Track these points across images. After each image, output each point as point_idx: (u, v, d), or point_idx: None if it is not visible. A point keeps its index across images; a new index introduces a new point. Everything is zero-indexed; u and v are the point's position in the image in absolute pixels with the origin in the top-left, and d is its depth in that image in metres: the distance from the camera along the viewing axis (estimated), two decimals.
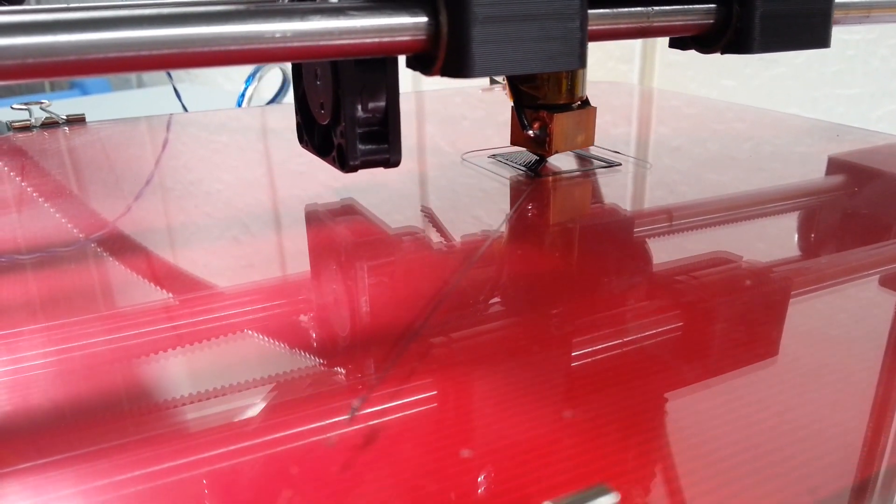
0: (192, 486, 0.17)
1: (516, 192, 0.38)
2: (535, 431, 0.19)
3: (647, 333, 0.24)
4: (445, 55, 0.23)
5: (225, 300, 0.27)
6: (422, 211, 0.36)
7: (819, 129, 0.54)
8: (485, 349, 0.23)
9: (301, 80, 0.32)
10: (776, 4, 0.28)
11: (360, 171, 0.30)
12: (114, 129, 0.57)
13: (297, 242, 0.33)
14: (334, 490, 0.17)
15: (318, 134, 0.32)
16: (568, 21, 0.24)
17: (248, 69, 0.91)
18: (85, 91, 1.71)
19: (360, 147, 0.29)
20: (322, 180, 0.40)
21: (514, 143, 0.41)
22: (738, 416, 0.20)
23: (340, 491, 0.17)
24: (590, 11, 0.25)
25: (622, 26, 0.29)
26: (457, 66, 0.23)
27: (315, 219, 0.35)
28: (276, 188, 0.41)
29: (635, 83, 0.98)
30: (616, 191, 0.40)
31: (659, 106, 0.68)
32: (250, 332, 0.25)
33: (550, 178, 0.40)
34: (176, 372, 0.23)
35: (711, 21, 0.30)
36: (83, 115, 0.57)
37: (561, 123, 0.37)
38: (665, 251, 0.31)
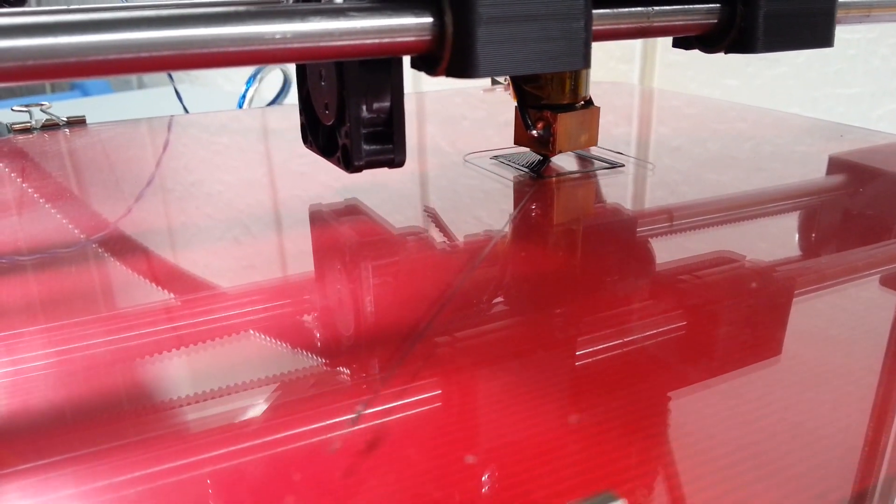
0: (195, 488, 0.17)
1: (519, 193, 0.38)
2: (542, 434, 0.19)
3: (653, 334, 0.24)
4: (450, 55, 0.23)
5: (229, 301, 0.27)
6: (425, 211, 0.36)
7: (819, 128, 0.55)
8: (490, 350, 0.23)
9: (305, 80, 0.32)
10: (780, 4, 0.28)
11: (361, 172, 0.30)
12: (114, 131, 0.57)
13: (301, 242, 0.33)
14: (339, 493, 0.17)
15: (322, 134, 0.32)
16: (572, 21, 0.24)
17: (248, 70, 0.91)
18: (86, 92, 1.70)
19: (365, 147, 0.29)
20: (323, 181, 0.40)
21: (517, 142, 0.41)
22: (743, 418, 0.20)
23: (345, 494, 0.17)
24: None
25: (623, 26, 0.29)
26: (462, 67, 0.23)
27: (319, 219, 0.35)
28: (278, 189, 0.41)
29: (636, 83, 0.98)
30: (620, 192, 0.40)
31: (660, 106, 0.68)
32: (255, 332, 0.25)
33: (553, 179, 0.40)
34: (179, 373, 0.23)
35: (715, 21, 0.30)
36: (84, 116, 0.57)
37: (565, 123, 0.37)
38: (669, 251, 0.31)
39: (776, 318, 0.26)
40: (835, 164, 0.45)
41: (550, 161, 0.42)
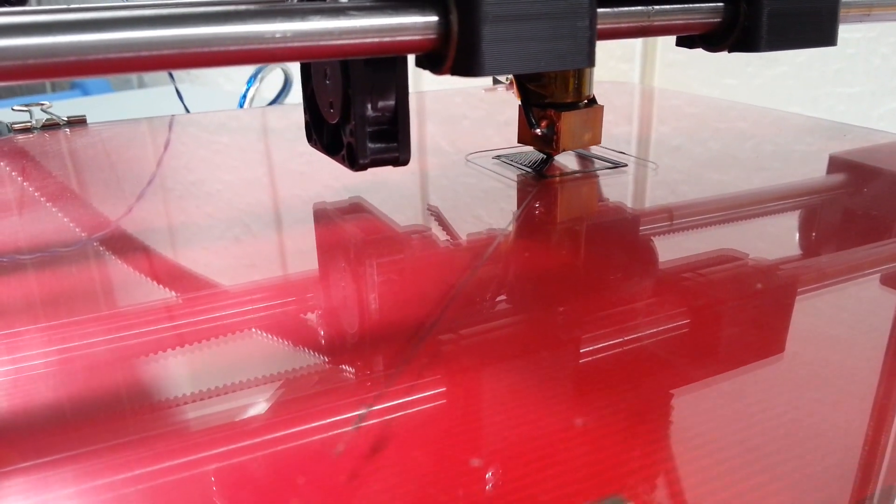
0: (198, 487, 0.17)
1: (523, 192, 0.38)
2: (548, 435, 0.19)
3: (659, 334, 0.24)
4: (455, 54, 0.23)
5: (233, 299, 0.27)
6: (428, 210, 0.36)
7: (821, 128, 0.55)
8: (496, 348, 0.23)
9: (310, 79, 0.32)
10: (783, 3, 0.29)
11: (362, 173, 0.30)
12: (115, 131, 0.57)
13: (301, 241, 0.33)
14: (345, 492, 0.17)
15: (326, 133, 0.32)
16: (577, 20, 0.24)
17: (249, 70, 0.91)
18: (86, 91, 1.70)
19: (370, 146, 0.29)
20: (323, 180, 0.40)
21: (521, 141, 0.41)
22: (747, 417, 0.20)
23: (350, 494, 0.17)
24: None
25: (623, 25, 0.29)
26: (467, 65, 0.23)
27: (321, 217, 0.35)
28: (278, 188, 0.41)
29: (636, 83, 0.98)
30: (623, 191, 0.40)
31: (661, 105, 0.68)
32: (260, 331, 0.25)
33: (557, 179, 0.40)
34: (184, 371, 0.23)
35: (718, 20, 0.30)
36: (84, 116, 0.57)
37: (568, 122, 0.38)
38: (673, 250, 0.31)
39: (779, 316, 0.26)
40: (835, 164, 0.45)
41: (553, 160, 0.42)
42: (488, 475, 0.18)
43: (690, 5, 0.29)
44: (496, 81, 0.67)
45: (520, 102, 0.39)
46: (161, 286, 0.28)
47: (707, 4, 0.30)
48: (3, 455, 0.18)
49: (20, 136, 0.54)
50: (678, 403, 0.21)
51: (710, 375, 0.22)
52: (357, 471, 0.17)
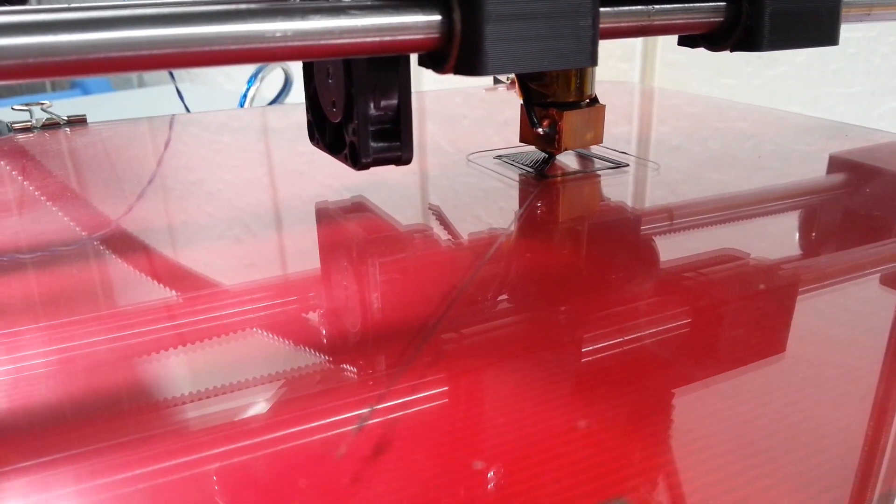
0: (200, 487, 0.17)
1: (524, 192, 0.38)
2: (553, 434, 0.19)
3: (663, 333, 0.24)
4: (458, 53, 0.23)
5: (237, 298, 0.27)
6: (430, 210, 0.36)
7: (821, 127, 0.55)
8: (501, 348, 0.23)
9: (312, 78, 0.32)
10: (786, 2, 0.29)
11: (362, 172, 0.30)
12: (115, 130, 0.57)
13: (302, 240, 0.33)
14: (349, 492, 0.17)
15: (329, 132, 0.32)
16: (580, 19, 0.24)
17: (249, 69, 0.91)
18: (86, 91, 1.70)
19: (373, 145, 0.29)
20: (322, 180, 0.40)
21: (522, 140, 0.41)
22: (749, 417, 0.20)
23: (355, 493, 0.17)
24: None
25: (623, 25, 0.29)
26: (470, 64, 0.23)
27: (323, 217, 0.35)
28: (280, 187, 0.41)
29: (636, 82, 0.98)
30: (625, 191, 0.40)
31: (661, 105, 0.68)
32: (264, 330, 0.25)
33: (559, 179, 0.40)
34: (185, 372, 0.23)
35: (720, 19, 0.30)
36: (84, 115, 0.57)
37: (570, 121, 0.38)
38: (675, 250, 0.31)
39: (780, 316, 0.26)
40: (835, 163, 0.45)
41: (555, 159, 0.42)
42: (490, 475, 0.18)
43: (691, 5, 0.29)
44: (497, 81, 0.67)
45: (522, 102, 0.40)
46: (162, 286, 0.28)
47: (709, 4, 0.30)
48: (3, 455, 0.18)
49: (20, 136, 0.54)
50: (680, 403, 0.21)
51: (712, 375, 0.22)
52: (361, 470, 0.17)
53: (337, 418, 0.20)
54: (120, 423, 0.20)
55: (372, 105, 0.28)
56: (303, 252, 0.32)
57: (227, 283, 0.28)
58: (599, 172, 0.41)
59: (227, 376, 0.22)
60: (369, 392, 0.21)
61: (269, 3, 0.21)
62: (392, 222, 0.34)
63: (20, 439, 0.19)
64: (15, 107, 0.56)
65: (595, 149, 0.44)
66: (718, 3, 0.29)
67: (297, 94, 0.95)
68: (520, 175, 0.40)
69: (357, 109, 0.28)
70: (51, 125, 0.55)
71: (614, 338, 0.24)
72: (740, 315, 0.26)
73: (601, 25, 0.27)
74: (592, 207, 0.38)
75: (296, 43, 0.22)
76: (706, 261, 0.29)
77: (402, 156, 0.30)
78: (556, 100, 0.38)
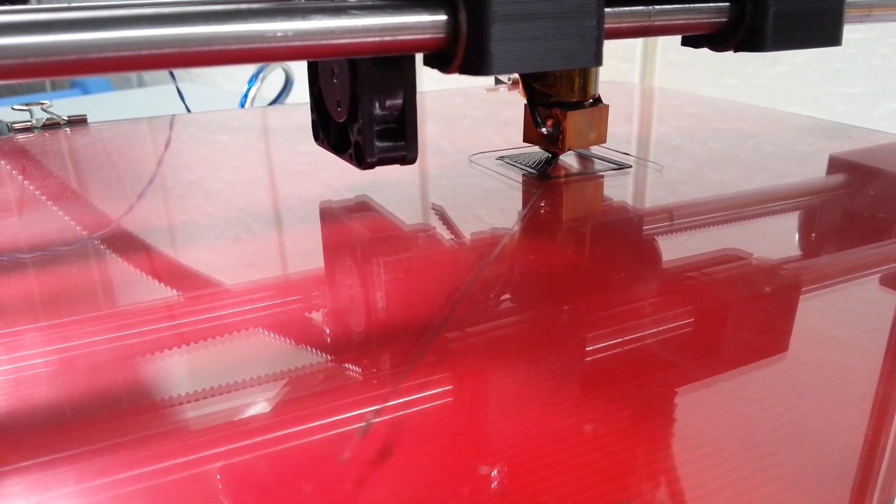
0: (205, 486, 0.17)
1: (528, 194, 0.38)
2: (558, 435, 0.19)
3: (668, 334, 0.24)
4: (464, 53, 0.23)
5: (239, 297, 0.27)
6: (433, 210, 0.36)
7: (820, 127, 0.55)
8: (506, 347, 0.23)
9: (317, 78, 0.32)
10: (789, 3, 0.29)
11: (363, 172, 0.30)
12: (115, 130, 0.57)
13: (303, 240, 0.33)
14: (351, 492, 0.17)
15: (334, 131, 0.32)
16: (585, 19, 0.24)
17: (249, 69, 0.91)
18: (86, 90, 1.70)
19: (378, 144, 0.29)
20: (323, 179, 0.40)
21: (526, 140, 0.41)
22: (751, 416, 0.20)
23: (357, 493, 0.17)
24: None
25: (624, 25, 0.29)
26: (475, 64, 0.23)
27: (326, 216, 0.35)
28: (283, 187, 0.41)
29: (636, 82, 0.98)
30: (629, 193, 0.40)
31: (663, 105, 0.68)
32: (269, 329, 0.25)
33: (562, 180, 0.40)
34: (188, 372, 0.23)
35: (723, 20, 0.30)
36: (85, 115, 0.57)
37: (574, 121, 0.38)
38: (680, 251, 0.32)
39: (782, 316, 0.26)
40: (836, 164, 0.45)
41: (559, 158, 0.42)
42: (495, 474, 0.18)
43: (691, 5, 0.29)
44: (498, 81, 0.67)
45: (525, 102, 0.40)
46: (164, 285, 0.28)
47: (711, 4, 0.30)
48: (3, 455, 0.18)
49: (20, 136, 0.54)
50: (686, 404, 0.21)
51: (715, 376, 0.22)
52: (366, 470, 0.17)
53: (345, 416, 0.20)
54: (120, 422, 0.20)
55: (377, 105, 0.28)
56: (305, 252, 0.32)
57: (229, 282, 0.28)
58: (602, 173, 0.41)
59: (231, 376, 0.22)
60: (376, 391, 0.21)
61: (284, 3, 0.21)
62: (395, 222, 0.34)
63: (20, 439, 0.19)
64: (15, 107, 0.56)
65: (597, 150, 0.44)
66: (722, 4, 0.30)
67: (298, 94, 0.95)
68: (522, 176, 0.40)
69: (362, 109, 0.28)
70: (51, 125, 0.55)
71: (620, 338, 0.24)
72: (743, 315, 0.26)
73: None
74: (596, 208, 0.38)
75: (302, 42, 0.22)
76: (709, 261, 0.30)
77: (406, 155, 0.30)
78: (559, 100, 0.38)
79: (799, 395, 0.21)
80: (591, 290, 0.28)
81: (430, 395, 0.21)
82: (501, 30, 0.23)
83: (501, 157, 0.43)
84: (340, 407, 0.20)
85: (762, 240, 0.33)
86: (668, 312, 0.26)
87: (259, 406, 0.20)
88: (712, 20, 0.30)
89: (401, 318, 0.25)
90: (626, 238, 0.33)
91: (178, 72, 0.81)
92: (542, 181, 0.39)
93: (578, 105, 0.38)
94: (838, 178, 0.43)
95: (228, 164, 0.46)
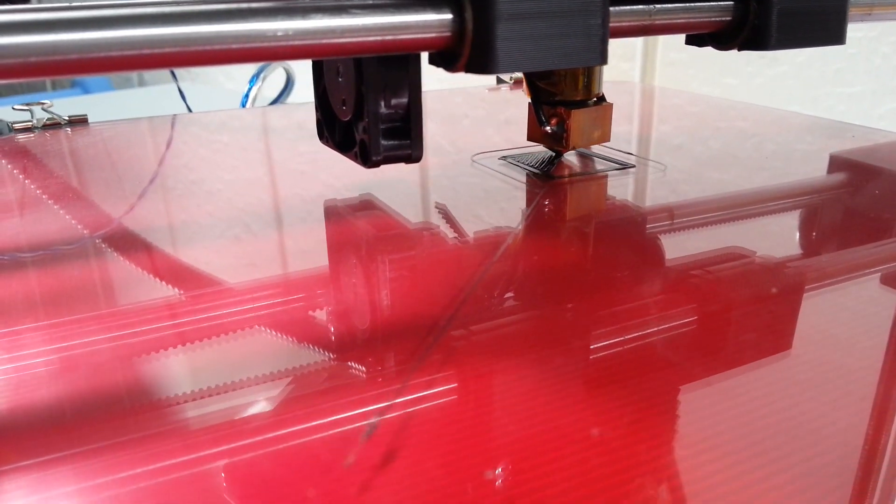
0: (208, 486, 0.17)
1: (532, 194, 0.38)
2: (566, 435, 0.19)
3: (678, 331, 0.24)
4: (470, 52, 0.23)
5: (243, 296, 0.27)
6: (437, 209, 0.36)
7: (820, 127, 0.55)
8: (514, 346, 0.23)
9: (322, 77, 0.32)
10: (793, 2, 0.29)
11: (363, 172, 0.30)
12: (116, 130, 0.57)
13: (304, 240, 0.33)
14: (356, 492, 0.17)
15: (338, 130, 0.32)
16: (590, 18, 0.24)
17: (250, 69, 0.91)
18: (86, 90, 1.69)
19: (383, 143, 0.29)
20: (324, 179, 0.40)
21: (530, 139, 0.41)
22: (752, 415, 0.20)
23: (362, 492, 0.17)
24: None
25: (625, 24, 0.29)
26: (481, 63, 0.23)
27: (330, 215, 0.35)
28: (287, 187, 0.41)
29: (637, 82, 0.99)
30: (633, 192, 0.40)
31: (664, 104, 0.68)
32: (276, 328, 0.25)
33: (566, 180, 0.40)
34: (193, 371, 0.23)
35: (726, 19, 0.30)
36: (85, 115, 0.57)
37: (578, 119, 0.38)
38: (686, 250, 0.32)
39: (786, 315, 0.26)
40: (837, 163, 0.45)
41: (562, 158, 0.42)
42: (501, 472, 0.18)
43: (692, 4, 0.30)
44: (500, 81, 0.67)
45: (529, 100, 0.40)
46: (165, 284, 0.28)
47: (711, 3, 0.30)
48: (3, 455, 0.18)
49: (21, 136, 0.53)
50: (689, 401, 0.21)
51: (718, 374, 0.22)
52: (375, 468, 0.17)
53: (354, 412, 0.20)
54: (121, 422, 0.19)
55: (383, 103, 0.28)
56: (305, 251, 0.32)
57: (231, 282, 0.28)
58: (606, 173, 0.41)
59: (237, 374, 0.22)
60: (383, 389, 0.21)
61: (294, 3, 0.21)
62: (400, 221, 0.34)
63: (20, 439, 0.19)
64: (16, 106, 0.56)
65: (600, 149, 0.44)
66: (726, 3, 0.30)
67: (299, 93, 0.95)
68: (526, 176, 0.40)
69: (368, 108, 0.28)
70: (52, 125, 0.55)
71: (630, 339, 0.24)
72: (746, 314, 0.26)
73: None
74: (602, 208, 0.38)
75: (310, 41, 0.22)
76: (713, 260, 0.30)
77: (412, 154, 0.30)
78: (563, 98, 0.38)
79: (800, 394, 0.21)
80: (597, 290, 0.28)
81: (438, 391, 0.21)
82: (507, 28, 0.23)
83: (504, 157, 0.43)
84: (348, 405, 0.20)
85: (766, 239, 0.33)
86: (674, 312, 0.26)
87: (264, 405, 0.20)
88: (714, 19, 0.30)
89: (407, 317, 0.25)
90: (632, 237, 0.33)
91: (178, 71, 0.81)
92: (545, 181, 0.39)
93: (582, 103, 0.38)
94: (839, 176, 0.43)
95: (229, 163, 0.46)
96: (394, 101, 0.29)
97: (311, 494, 0.17)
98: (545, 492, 0.17)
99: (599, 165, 0.42)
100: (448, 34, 0.23)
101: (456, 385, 0.21)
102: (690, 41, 0.32)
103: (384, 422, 0.19)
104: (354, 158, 0.31)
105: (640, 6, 0.28)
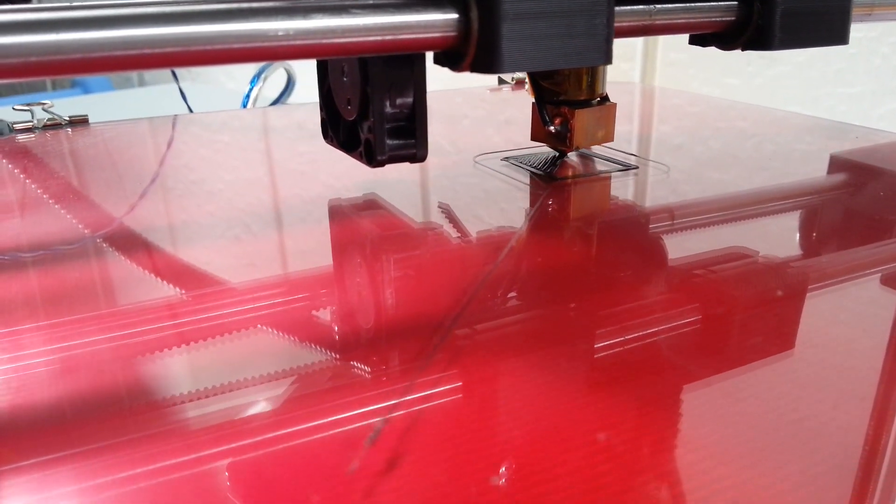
0: (209, 486, 0.17)
1: (536, 195, 0.38)
2: (573, 434, 0.19)
3: (687, 330, 0.24)
4: (475, 51, 0.23)
5: (247, 295, 0.27)
6: (440, 209, 0.36)
7: (821, 127, 0.55)
8: (522, 346, 0.23)
9: (327, 76, 0.32)
10: (797, 2, 0.29)
11: (363, 173, 0.30)
12: (117, 131, 0.56)
13: (310, 239, 0.33)
14: (361, 491, 0.17)
15: (343, 130, 0.32)
16: (595, 17, 0.24)
17: (251, 68, 0.91)
18: (87, 90, 1.69)
19: (388, 142, 0.29)
20: (323, 180, 0.40)
21: (534, 138, 0.41)
22: (756, 415, 0.20)
23: (367, 492, 0.17)
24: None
25: (625, 24, 0.29)
26: (487, 62, 0.23)
27: (334, 214, 0.35)
28: (287, 187, 0.41)
29: (637, 82, 0.99)
30: (637, 193, 0.40)
31: (665, 105, 0.68)
32: (285, 327, 0.25)
33: (570, 181, 0.40)
34: (196, 371, 0.23)
35: (732, 19, 0.30)
36: (86, 116, 0.57)
37: (582, 119, 0.38)
38: (692, 251, 0.32)
39: (788, 315, 0.26)
40: (836, 163, 0.45)
41: (566, 157, 0.42)
42: (505, 472, 0.18)
43: (693, 4, 0.30)
44: (501, 81, 0.67)
45: (533, 100, 0.40)
46: (168, 284, 0.28)
47: (717, 3, 0.30)
48: (3, 455, 0.18)
49: (21, 136, 0.53)
50: (693, 401, 0.21)
51: (720, 374, 0.22)
52: (382, 468, 0.17)
53: (363, 409, 0.20)
54: (121, 422, 0.19)
55: (388, 103, 0.29)
56: (306, 251, 0.32)
57: (234, 282, 0.28)
58: (610, 174, 0.41)
59: (241, 374, 0.22)
60: (389, 387, 0.21)
61: (290, 2, 0.21)
62: (404, 221, 0.34)
63: (20, 439, 0.19)
64: (16, 107, 0.56)
65: (603, 151, 0.44)
66: (729, 3, 0.30)
67: (300, 94, 0.95)
68: (530, 177, 0.40)
69: (373, 107, 0.28)
70: (52, 125, 0.55)
71: (634, 338, 0.24)
72: (748, 313, 0.26)
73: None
74: (606, 209, 0.38)
75: (316, 41, 0.22)
76: (717, 260, 0.30)
77: (417, 153, 0.30)
78: (567, 98, 0.38)
79: (805, 395, 0.21)
80: (604, 290, 0.28)
81: (446, 390, 0.21)
82: (513, 28, 0.23)
83: (507, 158, 0.43)
84: (355, 403, 0.20)
85: (772, 238, 0.33)
86: (679, 312, 0.26)
87: (269, 406, 0.20)
88: (717, 19, 0.30)
89: (413, 316, 0.25)
90: (637, 238, 0.33)
91: (178, 71, 0.81)
92: (549, 182, 0.39)
93: (586, 103, 0.38)
94: (840, 177, 0.43)
95: (229, 164, 0.46)
96: (399, 101, 0.29)
97: (317, 497, 0.17)
98: (550, 497, 0.17)
99: (602, 167, 0.42)
100: (453, 34, 0.23)
101: (464, 385, 0.21)
102: (694, 41, 0.32)
103: (390, 423, 0.19)
104: (359, 158, 0.31)
105: (641, 6, 0.28)
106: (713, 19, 0.30)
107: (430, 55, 0.26)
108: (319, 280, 0.28)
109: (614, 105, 0.40)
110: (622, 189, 0.40)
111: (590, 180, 0.40)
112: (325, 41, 0.22)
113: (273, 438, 0.19)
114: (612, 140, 0.41)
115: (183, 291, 0.27)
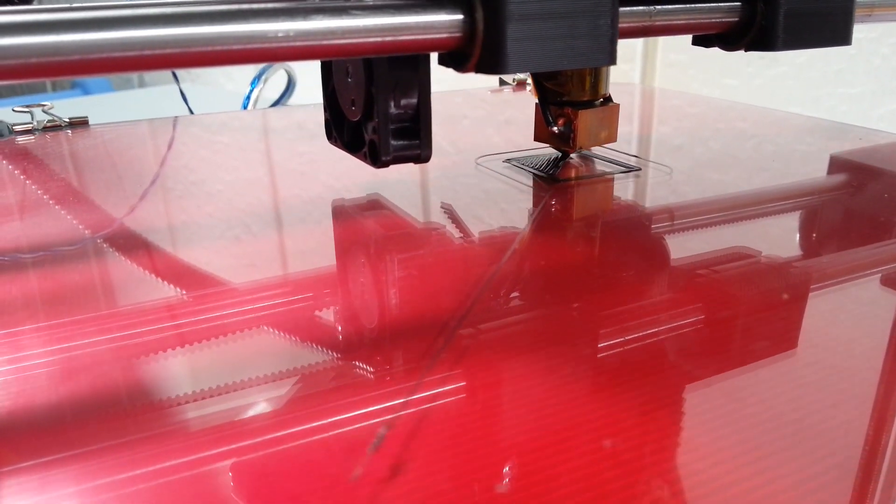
0: (210, 488, 0.17)
1: (539, 197, 0.38)
2: (577, 433, 0.19)
3: (693, 330, 0.24)
4: (480, 52, 0.23)
5: (252, 296, 0.27)
6: (443, 210, 0.36)
7: (821, 128, 0.55)
8: (527, 346, 0.23)
9: (331, 77, 0.32)
10: (800, 2, 0.29)
11: (363, 174, 0.30)
12: (117, 132, 0.56)
13: (312, 238, 0.33)
14: (366, 491, 0.17)
15: (347, 130, 0.32)
16: (599, 18, 0.24)
17: (251, 70, 0.91)
18: (86, 91, 1.69)
19: (393, 143, 0.29)
20: (323, 180, 0.40)
21: (537, 139, 0.41)
22: (755, 416, 0.20)
23: (372, 492, 0.17)
24: None
25: (625, 25, 0.29)
26: (492, 63, 0.23)
27: (337, 215, 0.35)
28: (287, 187, 0.41)
29: (637, 83, 0.99)
30: (641, 195, 0.40)
31: (665, 106, 0.68)
32: (284, 328, 0.24)
33: (572, 183, 0.40)
34: (198, 371, 0.22)
35: (733, 19, 0.30)
36: (86, 117, 0.56)
37: (585, 120, 0.38)
38: (696, 251, 0.32)
39: (790, 315, 0.26)
40: (837, 163, 0.45)
41: (569, 158, 0.42)
42: (508, 471, 0.18)
43: (692, 5, 0.30)
44: (503, 82, 0.67)
45: (536, 100, 0.40)
46: (169, 285, 0.28)
47: (718, 4, 0.30)
48: (3, 455, 0.18)
49: (21, 138, 0.53)
50: (695, 401, 0.21)
51: (721, 373, 0.22)
52: (388, 469, 0.17)
53: (370, 408, 0.20)
54: (121, 423, 0.19)
55: (392, 104, 0.29)
56: (306, 252, 0.32)
57: (234, 282, 0.28)
58: (612, 176, 0.41)
59: (245, 375, 0.22)
60: (394, 388, 0.21)
61: (296, 3, 0.21)
62: (408, 221, 0.34)
63: (20, 439, 0.19)
64: (16, 108, 0.56)
65: (604, 152, 0.44)
66: (732, 4, 0.30)
67: (300, 95, 0.95)
68: (532, 179, 0.40)
69: (378, 108, 0.28)
70: (52, 127, 0.55)
71: (638, 338, 0.24)
72: (752, 314, 0.26)
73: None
74: (610, 210, 0.38)
75: (322, 42, 0.22)
76: (720, 260, 0.30)
77: (421, 154, 0.30)
78: (570, 98, 0.38)
79: (803, 395, 0.21)
80: (608, 290, 0.28)
81: (452, 390, 0.21)
82: (518, 29, 0.23)
83: (508, 160, 0.43)
84: (360, 403, 0.20)
85: (772, 239, 0.33)
86: (682, 312, 0.26)
87: (271, 406, 0.20)
88: (717, 20, 0.30)
89: (418, 316, 0.25)
90: (640, 239, 0.33)
91: (180, 72, 0.80)
92: (551, 184, 0.39)
93: (589, 104, 0.38)
94: (840, 177, 0.43)
95: (229, 164, 0.46)
96: (403, 102, 0.29)
97: (320, 498, 0.17)
98: (553, 494, 0.17)
99: (606, 168, 0.42)
100: (459, 35, 0.23)
101: (470, 387, 0.21)
102: (697, 42, 0.32)
103: (395, 425, 0.19)
104: (363, 158, 0.31)
105: (640, 7, 0.28)
106: (715, 20, 0.30)
107: (434, 56, 0.26)
108: (321, 280, 0.28)
109: (617, 106, 0.40)
110: (626, 191, 0.40)
111: (592, 182, 0.40)
112: (330, 42, 0.22)
113: (276, 440, 0.19)
114: (615, 140, 0.41)
115: (183, 292, 0.27)
